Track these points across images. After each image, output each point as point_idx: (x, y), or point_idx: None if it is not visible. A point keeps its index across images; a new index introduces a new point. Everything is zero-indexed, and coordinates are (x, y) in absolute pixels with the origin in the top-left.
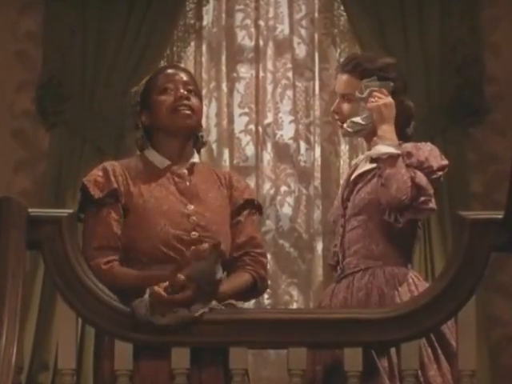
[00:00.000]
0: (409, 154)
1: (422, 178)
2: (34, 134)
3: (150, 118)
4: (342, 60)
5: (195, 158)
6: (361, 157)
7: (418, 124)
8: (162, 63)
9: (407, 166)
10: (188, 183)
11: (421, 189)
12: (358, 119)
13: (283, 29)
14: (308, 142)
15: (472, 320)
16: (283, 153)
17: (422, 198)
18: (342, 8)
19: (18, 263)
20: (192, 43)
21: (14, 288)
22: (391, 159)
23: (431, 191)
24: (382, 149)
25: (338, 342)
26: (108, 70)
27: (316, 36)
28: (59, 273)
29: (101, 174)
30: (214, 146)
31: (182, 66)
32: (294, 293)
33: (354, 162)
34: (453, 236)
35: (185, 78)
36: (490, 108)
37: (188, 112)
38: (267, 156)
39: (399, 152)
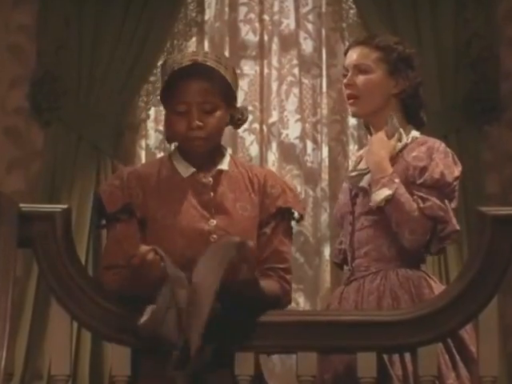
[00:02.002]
0: (422, 171)
1: (432, 207)
2: (27, 132)
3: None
4: None
5: (224, 163)
6: (366, 148)
7: (430, 122)
8: (162, 58)
9: (419, 185)
10: (213, 194)
11: (436, 218)
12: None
13: (289, 23)
14: (315, 141)
15: (494, 323)
16: (289, 153)
17: (440, 227)
18: (350, 1)
19: (8, 262)
20: (193, 38)
21: (4, 289)
22: (392, 202)
23: (447, 213)
24: (377, 197)
25: (350, 346)
26: (105, 64)
27: (323, 31)
28: (53, 272)
29: (117, 183)
30: None
31: None
32: (301, 300)
33: (360, 153)
34: (473, 233)
35: (200, 96)
36: (506, 105)
37: (200, 142)
38: (272, 156)
39: (394, 189)
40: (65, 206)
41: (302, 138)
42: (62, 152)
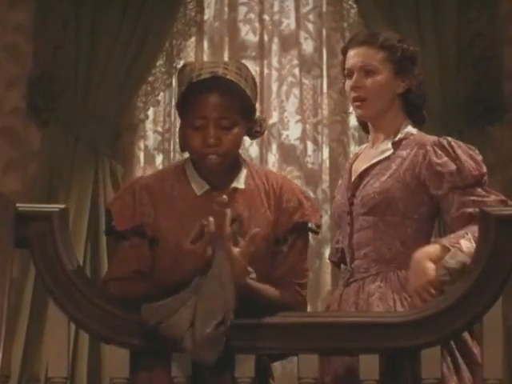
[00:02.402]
0: (459, 172)
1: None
2: (24, 133)
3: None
4: None
5: (239, 180)
6: (363, 146)
7: (432, 122)
8: (161, 58)
9: (467, 187)
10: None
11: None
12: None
13: (289, 23)
14: (315, 142)
15: (498, 324)
16: (289, 154)
17: None
18: (351, 0)
19: (4, 262)
20: (193, 38)
21: (0, 290)
22: None
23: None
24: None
25: (352, 348)
26: (103, 64)
27: (324, 31)
28: (50, 273)
29: (129, 199)
30: None
31: (182, 61)
32: None
33: (356, 151)
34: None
35: (218, 111)
36: (509, 105)
37: (215, 160)
38: (272, 158)
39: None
40: (62, 206)
41: (303, 139)
42: (60, 153)
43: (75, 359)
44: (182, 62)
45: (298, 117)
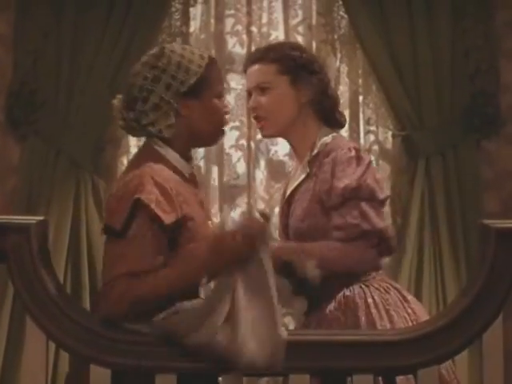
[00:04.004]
0: (328, 192)
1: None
2: (2, 146)
3: (194, 111)
4: (342, 66)
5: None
6: (300, 169)
7: (427, 137)
8: None
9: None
10: (200, 192)
11: (380, 233)
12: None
13: (278, 35)
14: None
15: (499, 343)
16: (277, 170)
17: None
18: (342, 10)
19: None
20: None
21: None
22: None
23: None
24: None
25: (345, 367)
26: (85, 76)
27: (314, 43)
28: (27, 288)
29: (158, 191)
30: (202, 163)
31: None
32: (290, 324)
33: (291, 173)
34: (471, 251)
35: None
36: (505, 119)
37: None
38: (260, 174)
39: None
40: (40, 218)
41: (292, 155)
42: (39, 167)
43: (55, 379)
44: None
45: None
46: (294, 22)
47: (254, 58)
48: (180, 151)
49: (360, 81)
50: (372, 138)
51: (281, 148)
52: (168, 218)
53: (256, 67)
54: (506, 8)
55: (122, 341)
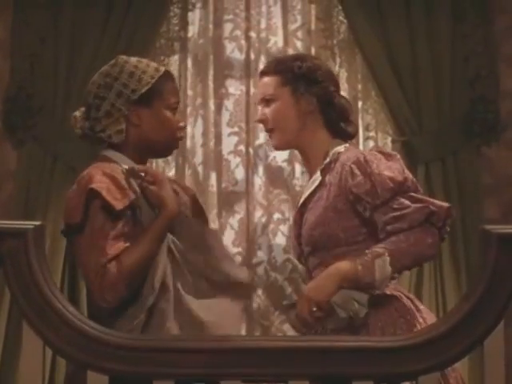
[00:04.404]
0: (372, 190)
1: (412, 215)
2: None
3: (145, 120)
4: (341, 72)
5: None
6: (313, 178)
7: (427, 142)
8: None
9: (384, 204)
10: None
11: (447, 212)
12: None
13: (276, 41)
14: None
15: (500, 349)
16: (276, 177)
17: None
18: (342, 15)
19: None
20: (176, 56)
21: None
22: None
23: (425, 202)
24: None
25: (345, 374)
26: (82, 80)
27: (313, 48)
28: (24, 293)
29: (108, 180)
30: (200, 169)
31: None
32: (289, 332)
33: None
34: (471, 257)
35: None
36: (505, 125)
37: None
38: (259, 180)
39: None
40: (37, 223)
41: (291, 160)
42: (37, 173)
43: None
44: None
45: None
46: (293, 27)
47: (262, 71)
48: (133, 159)
49: (359, 86)
50: (371, 143)
51: (279, 154)
52: (119, 204)
53: (263, 80)
54: (506, 12)
55: (120, 347)
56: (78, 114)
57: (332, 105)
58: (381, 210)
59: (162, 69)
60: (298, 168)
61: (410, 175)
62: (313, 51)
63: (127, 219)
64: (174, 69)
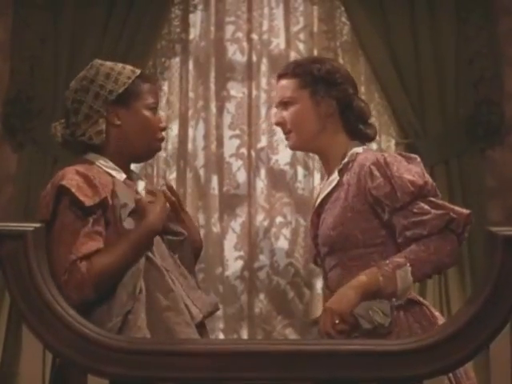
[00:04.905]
0: (392, 193)
1: (434, 220)
2: None
3: (124, 120)
4: None
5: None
6: (330, 179)
7: (431, 145)
8: None
9: (404, 207)
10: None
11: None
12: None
13: (279, 43)
14: (306, 167)
15: (506, 353)
16: (279, 180)
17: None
18: (345, 17)
19: None
20: (177, 58)
21: None
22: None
23: (445, 208)
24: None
25: (350, 377)
26: None
27: (315, 51)
28: (23, 296)
29: (80, 179)
30: (202, 172)
31: (167, 82)
32: (291, 336)
33: (321, 185)
34: (476, 259)
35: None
36: (510, 128)
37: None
38: (261, 183)
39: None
40: (37, 225)
41: (293, 163)
42: (37, 176)
43: None
44: (166, 83)
45: None
46: (295, 29)
47: (279, 74)
48: (114, 162)
49: (362, 88)
50: (375, 146)
51: (282, 157)
52: (89, 201)
53: (281, 82)
54: (510, 14)
55: (120, 350)
56: (57, 124)
57: (351, 107)
58: (400, 214)
59: (138, 71)
60: (301, 171)
61: (430, 179)
62: (315, 53)
63: (98, 218)
64: (175, 71)
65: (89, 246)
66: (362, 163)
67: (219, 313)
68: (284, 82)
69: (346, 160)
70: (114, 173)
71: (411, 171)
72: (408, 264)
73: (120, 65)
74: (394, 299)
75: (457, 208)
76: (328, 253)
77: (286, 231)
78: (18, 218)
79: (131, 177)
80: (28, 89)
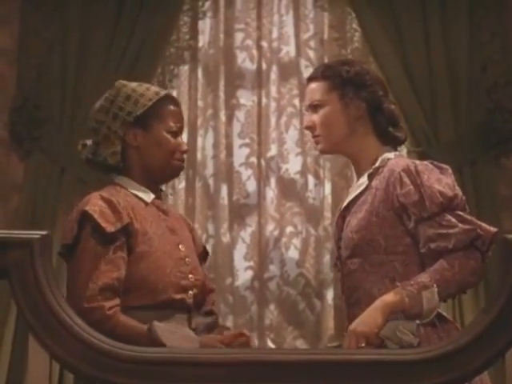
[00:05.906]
0: (420, 202)
1: (461, 235)
2: (6, 163)
3: (142, 141)
4: None
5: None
6: (359, 182)
7: (443, 153)
8: (153, 84)
9: (430, 218)
10: (172, 221)
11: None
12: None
13: (289, 50)
14: (317, 176)
15: None
16: (289, 189)
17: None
18: (355, 23)
19: None
20: (186, 66)
21: None
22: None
23: (473, 223)
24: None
25: None
26: (90, 90)
27: (326, 58)
28: (30, 306)
29: (104, 204)
30: (211, 181)
31: (175, 90)
32: (302, 347)
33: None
34: (490, 267)
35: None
36: None
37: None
38: (271, 193)
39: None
40: (44, 232)
41: (303, 172)
42: (44, 185)
43: None
44: (174, 91)
45: (298, 149)
46: (305, 36)
47: (309, 77)
48: (142, 183)
49: None
50: None
51: (292, 166)
52: (110, 227)
53: (311, 86)
54: None
55: (128, 360)
56: (82, 142)
57: (381, 110)
58: (426, 224)
59: (163, 92)
60: (311, 180)
61: (459, 192)
62: (326, 61)
63: (121, 244)
64: (184, 79)
65: (109, 275)
66: (392, 169)
67: (229, 324)
68: (313, 85)
69: (376, 165)
70: (141, 194)
71: (442, 182)
72: (435, 285)
73: (145, 86)
74: (419, 319)
75: (484, 225)
76: (349, 256)
77: (297, 241)
78: (25, 226)
79: (161, 196)
80: (35, 97)
